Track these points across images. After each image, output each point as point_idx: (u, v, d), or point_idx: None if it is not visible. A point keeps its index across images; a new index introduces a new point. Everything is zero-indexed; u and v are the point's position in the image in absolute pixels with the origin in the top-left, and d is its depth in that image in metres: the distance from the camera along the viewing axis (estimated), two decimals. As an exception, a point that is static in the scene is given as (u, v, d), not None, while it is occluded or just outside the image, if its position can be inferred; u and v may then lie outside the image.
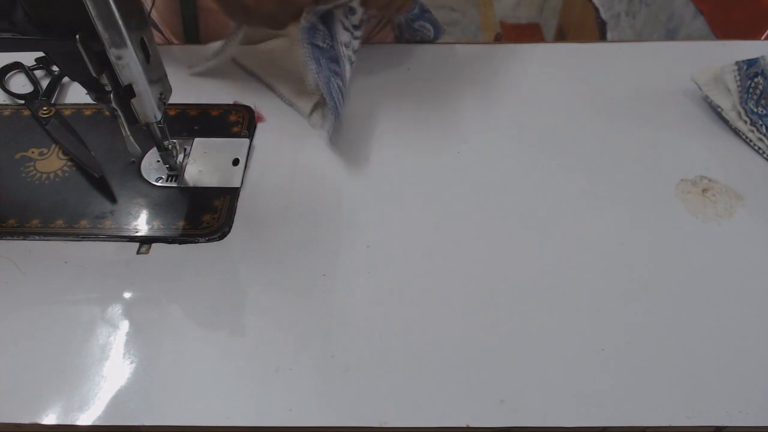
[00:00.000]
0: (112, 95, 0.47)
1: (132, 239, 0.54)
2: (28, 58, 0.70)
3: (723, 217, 0.57)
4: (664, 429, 0.43)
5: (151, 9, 0.78)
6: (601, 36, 1.57)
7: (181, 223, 0.55)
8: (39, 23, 0.43)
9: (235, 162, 0.60)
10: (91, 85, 0.48)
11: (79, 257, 0.53)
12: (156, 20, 0.83)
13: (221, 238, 0.54)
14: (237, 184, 0.58)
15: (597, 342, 0.48)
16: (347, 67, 0.64)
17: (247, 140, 0.62)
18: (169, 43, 0.84)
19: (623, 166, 0.61)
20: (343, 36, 0.63)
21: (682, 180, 0.60)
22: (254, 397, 0.44)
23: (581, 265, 0.53)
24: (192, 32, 0.78)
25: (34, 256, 0.53)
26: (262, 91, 0.68)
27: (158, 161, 0.59)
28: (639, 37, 1.38)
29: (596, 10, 1.59)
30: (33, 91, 0.67)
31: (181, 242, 0.54)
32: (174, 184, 0.58)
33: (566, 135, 0.64)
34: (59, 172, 0.59)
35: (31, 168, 0.59)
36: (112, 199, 0.57)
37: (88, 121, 0.64)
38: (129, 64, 0.45)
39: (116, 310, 0.49)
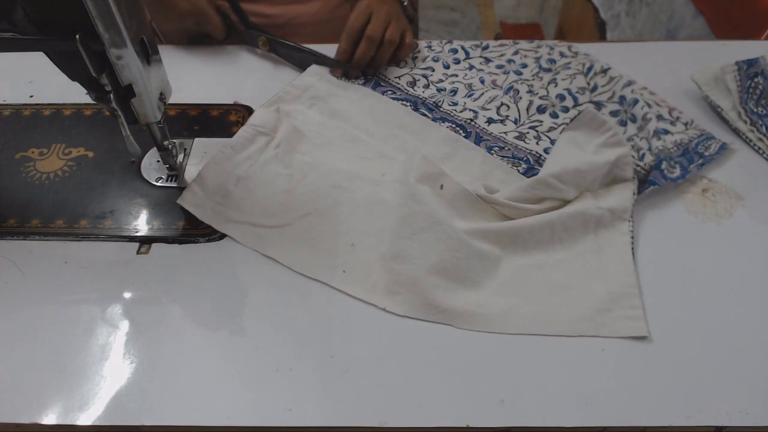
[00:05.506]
0: (112, 95, 0.47)
1: (132, 239, 0.54)
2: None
3: (723, 217, 0.56)
4: (664, 429, 0.43)
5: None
6: (601, 36, 1.57)
7: (181, 223, 0.55)
8: (39, 23, 0.43)
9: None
10: (91, 85, 0.47)
11: (79, 257, 0.53)
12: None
13: (221, 238, 0.54)
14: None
15: (597, 342, 0.47)
16: None
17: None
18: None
19: (623, 166, 0.61)
20: None
21: (682, 180, 0.60)
22: (254, 397, 0.44)
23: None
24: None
25: (34, 256, 0.53)
26: (263, 91, 0.68)
27: (158, 161, 0.59)
28: (639, 37, 1.38)
29: (596, 10, 1.58)
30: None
31: (181, 242, 0.54)
32: (174, 184, 0.58)
33: (566, 135, 0.64)
34: (59, 172, 0.59)
35: (31, 168, 0.59)
36: (112, 199, 0.57)
37: (88, 121, 0.64)
38: (129, 64, 0.45)
39: (116, 310, 0.49)
